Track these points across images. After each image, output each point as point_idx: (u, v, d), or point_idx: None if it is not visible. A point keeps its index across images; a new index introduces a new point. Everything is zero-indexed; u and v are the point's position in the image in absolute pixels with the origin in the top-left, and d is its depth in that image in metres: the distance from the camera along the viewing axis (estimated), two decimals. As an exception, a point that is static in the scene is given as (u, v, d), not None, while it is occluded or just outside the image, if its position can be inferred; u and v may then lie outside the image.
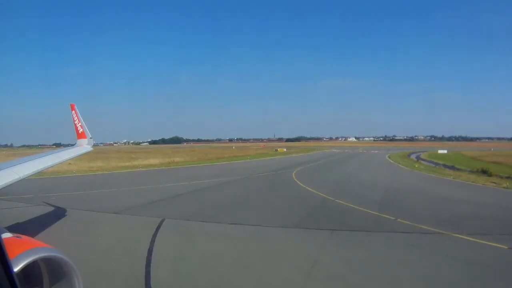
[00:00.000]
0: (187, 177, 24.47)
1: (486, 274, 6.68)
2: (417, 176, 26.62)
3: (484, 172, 27.15)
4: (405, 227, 10.12)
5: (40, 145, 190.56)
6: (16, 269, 2.02)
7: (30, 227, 9.61)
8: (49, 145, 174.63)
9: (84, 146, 11.36)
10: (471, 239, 8.82)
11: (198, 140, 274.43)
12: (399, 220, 10.96)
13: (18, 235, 2.68)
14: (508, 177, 23.37)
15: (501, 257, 7.65)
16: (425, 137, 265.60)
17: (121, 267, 7.03)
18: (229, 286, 6.23)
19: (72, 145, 12.24)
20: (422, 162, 42.91)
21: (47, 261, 2.42)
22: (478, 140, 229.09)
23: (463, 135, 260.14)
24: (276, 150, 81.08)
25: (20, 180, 5.63)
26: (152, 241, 8.70)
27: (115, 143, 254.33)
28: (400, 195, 16.62)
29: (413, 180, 23.80)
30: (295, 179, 22.59)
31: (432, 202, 14.62)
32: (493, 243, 8.35)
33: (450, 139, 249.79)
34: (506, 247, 8.09)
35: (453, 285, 6.22)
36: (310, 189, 18.06)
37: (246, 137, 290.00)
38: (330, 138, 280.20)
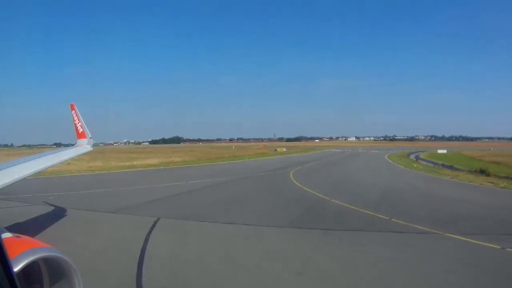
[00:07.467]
0: (185, 177, 24.57)
1: (478, 273, 6.78)
2: (415, 175, 26.69)
3: (483, 172, 27.11)
4: (399, 227, 10.23)
5: (40, 145, 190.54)
6: (16, 269, 2.05)
7: (30, 227, 9.69)
8: (49, 145, 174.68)
9: (84, 146, 11.41)
10: (464, 239, 8.93)
11: (198, 140, 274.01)
12: (393, 219, 11.07)
13: (18, 235, 2.70)
14: (506, 177, 23.31)
15: (493, 256, 7.76)
16: (425, 137, 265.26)
17: (114, 266, 7.11)
18: (222, 286, 6.30)
19: (72, 145, 12.32)
20: (421, 162, 42.90)
21: (47, 261, 2.46)
22: (478, 140, 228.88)
23: (463, 135, 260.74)
24: (276, 150, 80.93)
25: (20, 180, 5.67)
26: (146, 240, 8.79)
27: (115, 142, 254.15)
28: (396, 194, 16.70)
29: (410, 179, 23.87)
30: (292, 179, 22.69)
31: (428, 202, 14.69)
32: (486, 243, 8.46)
33: (450, 139, 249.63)
34: (498, 247, 8.21)
35: (445, 285, 6.32)
36: (306, 188, 18.17)
37: (246, 137, 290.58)
38: (330, 138, 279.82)
